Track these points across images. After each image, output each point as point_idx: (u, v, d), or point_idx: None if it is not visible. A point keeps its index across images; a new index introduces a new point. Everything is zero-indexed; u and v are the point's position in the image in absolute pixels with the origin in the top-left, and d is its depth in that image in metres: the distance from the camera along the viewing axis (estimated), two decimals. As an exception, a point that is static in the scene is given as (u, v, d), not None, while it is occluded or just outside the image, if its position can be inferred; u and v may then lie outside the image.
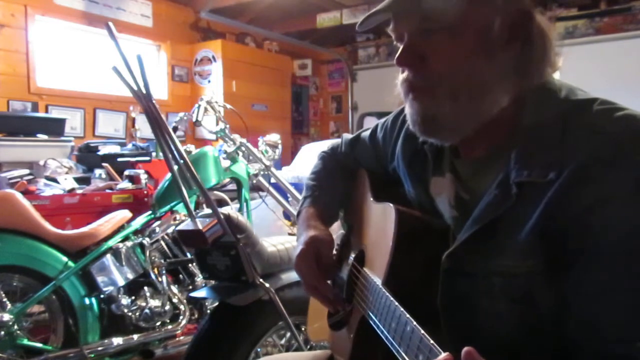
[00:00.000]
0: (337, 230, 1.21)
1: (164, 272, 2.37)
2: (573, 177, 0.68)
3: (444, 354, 0.59)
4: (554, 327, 0.70)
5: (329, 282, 1.08)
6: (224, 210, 1.70)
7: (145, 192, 2.78)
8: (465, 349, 0.55)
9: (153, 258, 2.37)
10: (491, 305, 0.75)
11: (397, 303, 0.79)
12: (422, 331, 0.69)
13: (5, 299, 2.12)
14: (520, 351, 0.73)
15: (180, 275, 2.46)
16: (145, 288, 2.33)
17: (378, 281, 0.87)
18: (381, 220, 0.94)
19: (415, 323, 0.72)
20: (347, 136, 1.23)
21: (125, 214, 2.42)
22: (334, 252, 1.13)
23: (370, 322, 0.88)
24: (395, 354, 0.75)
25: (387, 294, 0.83)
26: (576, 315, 0.68)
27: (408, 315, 0.74)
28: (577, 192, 0.68)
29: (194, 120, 2.50)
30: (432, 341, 0.66)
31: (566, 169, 0.69)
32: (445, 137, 0.82)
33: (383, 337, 0.81)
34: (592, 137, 0.70)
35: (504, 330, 0.74)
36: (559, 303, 0.70)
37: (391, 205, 0.91)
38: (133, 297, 2.32)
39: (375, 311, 0.86)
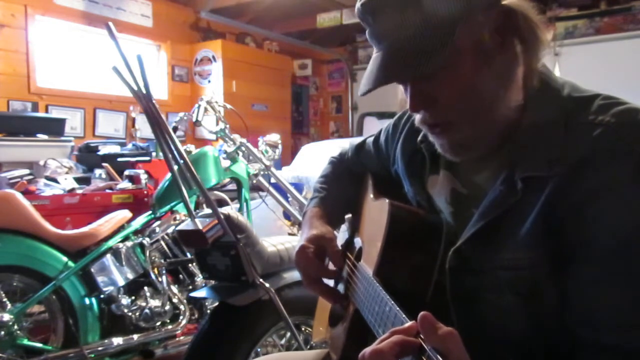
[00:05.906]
0: (342, 231, 1.22)
1: (164, 272, 2.37)
2: (573, 169, 0.69)
3: (409, 322, 0.61)
4: (559, 320, 0.71)
5: (331, 280, 1.09)
6: (224, 210, 1.70)
7: (145, 192, 2.78)
8: (422, 313, 0.56)
9: (153, 258, 2.37)
10: (498, 300, 0.76)
11: (381, 288, 0.80)
12: (397, 308, 0.71)
13: (5, 299, 2.12)
14: (529, 345, 0.74)
15: (180, 275, 2.46)
16: (145, 288, 2.33)
17: (369, 272, 0.89)
18: (377, 215, 0.96)
19: (393, 302, 0.73)
20: (354, 142, 1.25)
21: (125, 214, 2.43)
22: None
23: (361, 312, 0.89)
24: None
25: (375, 282, 0.84)
26: (574, 306, 0.69)
27: (388, 297, 0.76)
28: (577, 183, 0.69)
29: (194, 120, 2.50)
30: (404, 315, 0.68)
31: (569, 163, 0.70)
32: (475, 152, 0.82)
33: (369, 325, 0.82)
34: (593, 130, 0.71)
35: (512, 325, 0.75)
36: (561, 296, 0.70)
37: (386, 199, 0.93)
38: (133, 297, 2.33)
39: (364, 300, 0.88)
